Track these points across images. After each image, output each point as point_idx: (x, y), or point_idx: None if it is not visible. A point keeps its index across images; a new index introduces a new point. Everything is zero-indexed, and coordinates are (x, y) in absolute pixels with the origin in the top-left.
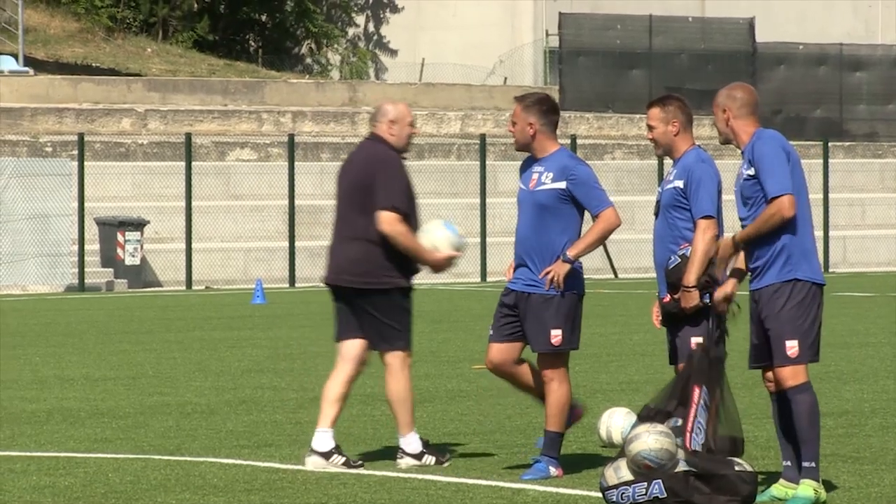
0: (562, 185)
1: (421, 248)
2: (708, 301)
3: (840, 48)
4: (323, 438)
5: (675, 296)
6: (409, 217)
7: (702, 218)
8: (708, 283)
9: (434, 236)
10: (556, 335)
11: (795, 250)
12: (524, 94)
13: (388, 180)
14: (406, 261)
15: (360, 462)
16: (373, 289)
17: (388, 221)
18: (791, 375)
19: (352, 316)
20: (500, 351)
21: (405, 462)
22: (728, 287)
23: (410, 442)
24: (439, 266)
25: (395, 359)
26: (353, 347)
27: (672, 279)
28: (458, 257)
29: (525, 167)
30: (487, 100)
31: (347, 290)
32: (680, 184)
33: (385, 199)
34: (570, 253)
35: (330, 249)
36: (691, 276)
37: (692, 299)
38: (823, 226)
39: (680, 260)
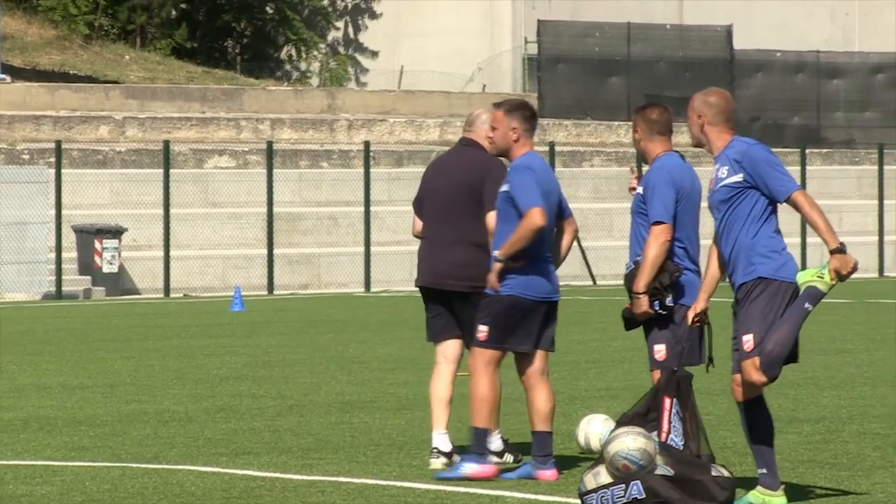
0: (506, 187)
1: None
2: (658, 308)
3: (817, 56)
4: (445, 440)
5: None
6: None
7: (654, 224)
8: (657, 290)
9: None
10: (482, 330)
11: (761, 249)
12: (502, 101)
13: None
14: None
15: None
16: (479, 292)
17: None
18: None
19: (451, 317)
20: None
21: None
22: (700, 304)
23: (493, 440)
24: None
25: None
26: (454, 347)
27: (627, 285)
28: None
29: None
30: (466, 107)
31: (450, 294)
32: (642, 190)
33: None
34: (497, 253)
35: (426, 252)
36: (640, 283)
37: (640, 306)
38: (801, 233)
39: (634, 266)
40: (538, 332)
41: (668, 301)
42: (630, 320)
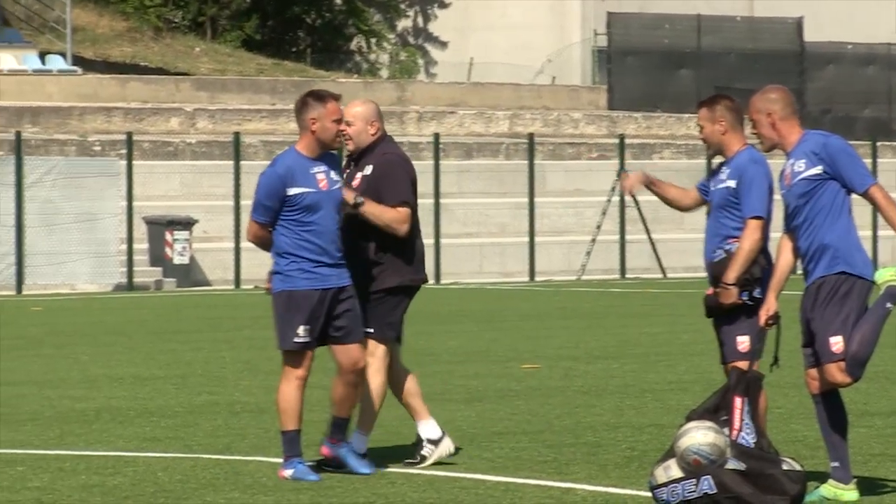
0: (733, 184)
1: None
2: (746, 299)
3: (888, 48)
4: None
5: (717, 290)
6: None
7: (752, 218)
8: (748, 281)
9: None
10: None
11: (844, 244)
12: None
13: None
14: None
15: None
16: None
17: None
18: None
19: None
20: None
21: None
22: (772, 305)
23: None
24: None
25: None
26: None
27: (715, 272)
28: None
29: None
30: (536, 99)
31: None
32: (732, 184)
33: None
34: (730, 279)
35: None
36: (731, 274)
37: (730, 296)
38: (872, 226)
39: (725, 255)
40: None
41: (757, 293)
42: (712, 308)
